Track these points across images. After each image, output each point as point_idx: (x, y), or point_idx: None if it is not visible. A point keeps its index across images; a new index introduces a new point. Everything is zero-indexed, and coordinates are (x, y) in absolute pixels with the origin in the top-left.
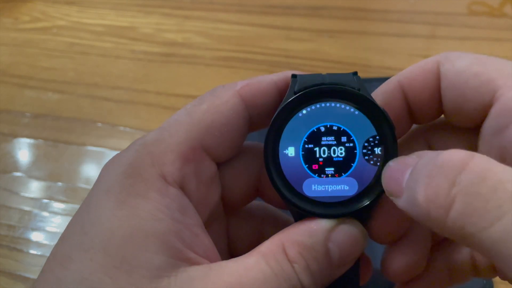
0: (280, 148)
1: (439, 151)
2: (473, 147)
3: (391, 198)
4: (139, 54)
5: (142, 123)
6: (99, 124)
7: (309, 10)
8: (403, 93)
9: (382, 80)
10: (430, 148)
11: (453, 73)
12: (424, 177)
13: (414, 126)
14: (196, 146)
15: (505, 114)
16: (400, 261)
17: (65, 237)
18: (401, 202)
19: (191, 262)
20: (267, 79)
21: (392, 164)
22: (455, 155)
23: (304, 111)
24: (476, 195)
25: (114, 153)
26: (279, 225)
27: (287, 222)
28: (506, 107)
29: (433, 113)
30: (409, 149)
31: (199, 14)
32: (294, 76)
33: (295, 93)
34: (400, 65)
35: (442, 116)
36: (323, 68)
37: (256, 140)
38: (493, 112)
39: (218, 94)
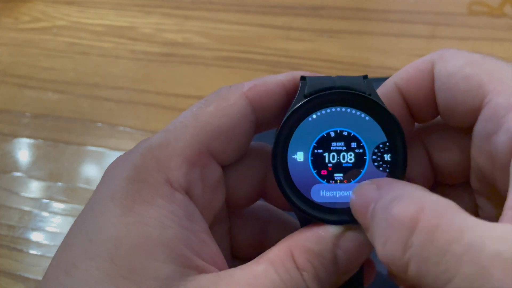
0: (288, 153)
1: (393, 195)
2: (467, 148)
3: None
4: (139, 54)
5: (142, 123)
6: (99, 124)
7: (309, 10)
8: (401, 94)
9: (382, 80)
10: (426, 150)
11: (445, 74)
12: (380, 236)
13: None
14: (203, 150)
15: (493, 120)
16: None
17: (69, 243)
18: (368, 235)
19: (200, 270)
20: (274, 80)
21: (355, 198)
22: (406, 211)
23: (314, 116)
24: (426, 259)
25: (114, 153)
26: (282, 226)
27: (291, 223)
28: (493, 113)
29: (431, 113)
30: None
31: (199, 14)
32: (303, 78)
33: (305, 97)
34: (400, 65)
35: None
36: (323, 68)
37: (258, 140)
38: (482, 117)
39: (224, 95)
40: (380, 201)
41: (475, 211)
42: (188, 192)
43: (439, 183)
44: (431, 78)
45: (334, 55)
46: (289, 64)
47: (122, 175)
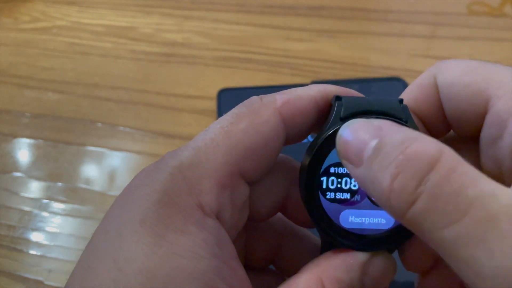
0: (320, 176)
1: (407, 134)
2: (478, 158)
3: (342, 160)
4: (139, 54)
5: (142, 123)
6: (99, 124)
7: (309, 10)
8: (413, 114)
9: (382, 80)
10: None
11: (446, 85)
12: (392, 167)
13: None
14: (234, 171)
15: (496, 125)
16: None
17: (93, 268)
18: (356, 172)
19: None
20: (307, 96)
21: (350, 131)
22: (427, 149)
23: None
24: (439, 196)
25: (114, 153)
26: (297, 240)
27: (306, 236)
28: (496, 118)
29: (445, 126)
30: None
31: (199, 14)
32: (338, 98)
33: (341, 120)
34: (400, 65)
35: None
36: (323, 68)
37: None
38: (486, 123)
39: (257, 111)
40: (388, 137)
41: None
42: (218, 217)
43: None
44: (436, 92)
45: (334, 55)
46: (289, 64)
47: (152, 197)
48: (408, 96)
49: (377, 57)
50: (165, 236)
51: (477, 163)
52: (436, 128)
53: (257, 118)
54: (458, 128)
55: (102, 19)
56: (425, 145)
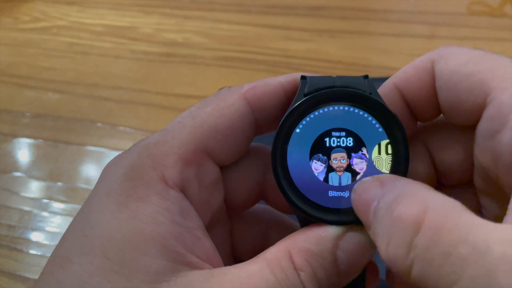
0: (288, 152)
1: (400, 190)
2: (470, 146)
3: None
4: (139, 54)
5: (142, 123)
6: (99, 124)
7: (309, 10)
8: (400, 95)
9: (382, 80)
10: (428, 149)
11: (446, 73)
12: (383, 235)
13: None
14: (199, 149)
15: (497, 119)
16: None
17: (65, 239)
18: (370, 233)
19: (193, 266)
20: (274, 82)
21: (357, 194)
22: (410, 210)
23: (313, 114)
24: (431, 261)
25: (114, 153)
26: (284, 229)
27: (292, 226)
28: (497, 111)
29: (433, 112)
30: None
31: (199, 14)
32: (303, 77)
33: (305, 95)
34: (400, 65)
35: (441, 115)
36: (323, 68)
37: (258, 142)
38: (486, 115)
39: (223, 96)
40: (383, 198)
41: (479, 211)
42: (183, 190)
43: (441, 184)
44: (431, 77)
45: (334, 55)
46: (289, 64)
47: (118, 172)
48: (400, 75)
49: (377, 57)
50: (127, 205)
51: (470, 153)
52: (423, 112)
53: (223, 102)
54: (451, 117)
55: (102, 19)
56: (409, 205)
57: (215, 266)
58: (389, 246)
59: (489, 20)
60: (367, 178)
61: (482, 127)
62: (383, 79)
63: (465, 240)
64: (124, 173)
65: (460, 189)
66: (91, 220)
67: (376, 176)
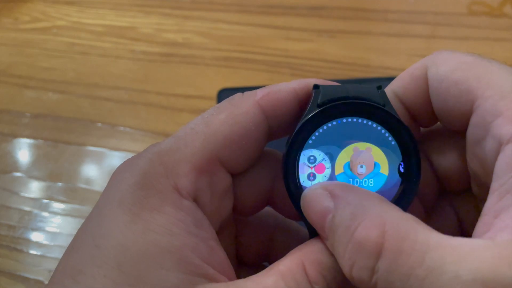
0: (300, 162)
1: (355, 209)
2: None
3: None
4: (139, 54)
5: (142, 123)
6: (99, 124)
7: (309, 10)
8: (401, 102)
9: (382, 80)
10: (427, 155)
11: (436, 79)
12: (346, 257)
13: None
14: (212, 158)
15: (481, 126)
16: None
17: (75, 248)
18: (328, 244)
19: (209, 278)
20: (287, 88)
21: (306, 203)
22: (369, 235)
23: (326, 126)
24: (392, 283)
25: (114, 153)
26: (289, 234)
27: (298, 230)
28: (481, 119)
29: (431, 118)
30: None
31: (199, 14)
32: (316, 86)
33: (318, 106)
34: (400, 65)
35: None
36: (323, 68)
37: (267, 146)
38: (471, 122)
39: (236, 103)
40: (338, 213)
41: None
42: (195, 199)
43: (443, 191)
44: (426, 84)
45: (334, 55)
46: (289, 64)
47: (130, 180)
48: (398, 83)
49: (377, 57)
50: (140, 215)
51: (463, 158)
52: (423, 118)
53: (237, 109)
54: (445, 122)
55: (102, 19)
56: (368, 229)
57: (228, 276)
58: (353, 269)
59: (489, 20)
60: (316, 185)
61: (469, 134)
62: (383, 79)
63: (421, 262)
64: (136, 182)
65: (463, 195)
66: (103, 229)
67: (324, 184)
